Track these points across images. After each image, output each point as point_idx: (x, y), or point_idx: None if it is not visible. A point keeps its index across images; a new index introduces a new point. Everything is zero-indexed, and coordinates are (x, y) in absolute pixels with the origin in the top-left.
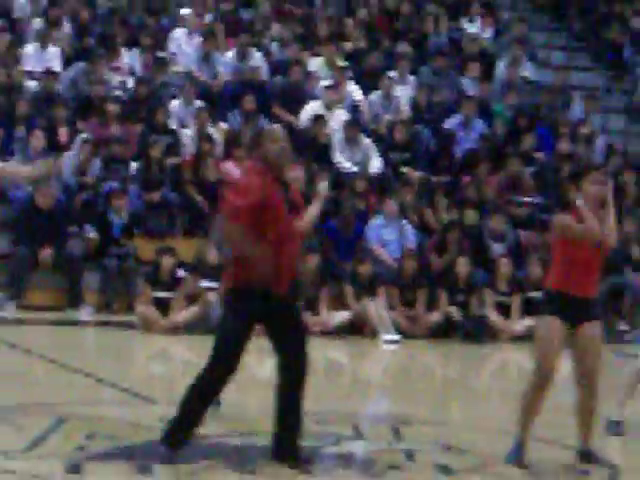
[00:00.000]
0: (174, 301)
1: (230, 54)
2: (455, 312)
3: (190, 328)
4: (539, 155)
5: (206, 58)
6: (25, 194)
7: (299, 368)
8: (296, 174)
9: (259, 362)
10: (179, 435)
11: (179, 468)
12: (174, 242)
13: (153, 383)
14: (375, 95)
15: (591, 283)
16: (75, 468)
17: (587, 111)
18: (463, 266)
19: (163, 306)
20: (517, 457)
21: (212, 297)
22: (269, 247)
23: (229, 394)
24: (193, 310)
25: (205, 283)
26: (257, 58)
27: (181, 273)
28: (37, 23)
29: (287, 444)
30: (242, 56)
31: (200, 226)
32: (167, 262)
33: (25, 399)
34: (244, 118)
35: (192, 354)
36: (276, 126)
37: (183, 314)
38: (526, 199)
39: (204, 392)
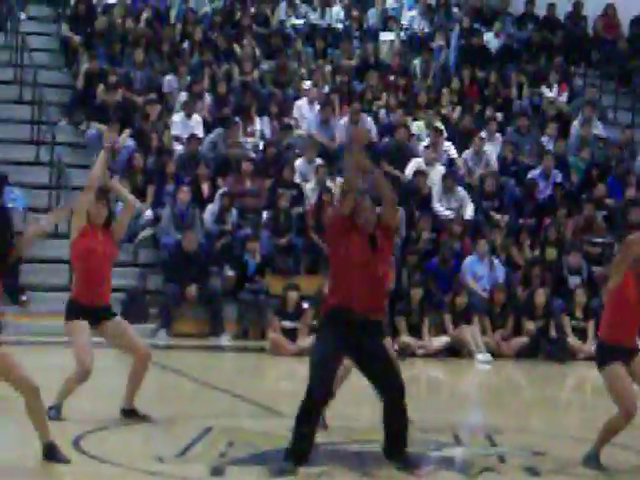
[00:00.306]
0: (299, 329)
1: (344, 120)
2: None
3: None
4: (610, 201)
5: (324, 123)
6: (174, 240)
7: (395, 391)
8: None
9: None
10: (297, 452)
11: (306, 472)
12: (299, 279)
13: (282, 399)
14: (468, 152)
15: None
16: (219, 471)
17: None
18: (541, 296)
19: (290, 333)
20: (595, 462)
21: None
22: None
23: (346, 407)
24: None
25: None
26: (367, 122)
27: (305, 305)
28: (182, 96)
29: (396, 450)
30: (354, 122)
31: (321, 265)
32: (292, 296)
33: (176, 413)
34: None
35: None
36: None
37: (307, 340)
38: (599, 239)
39: (307, 415)
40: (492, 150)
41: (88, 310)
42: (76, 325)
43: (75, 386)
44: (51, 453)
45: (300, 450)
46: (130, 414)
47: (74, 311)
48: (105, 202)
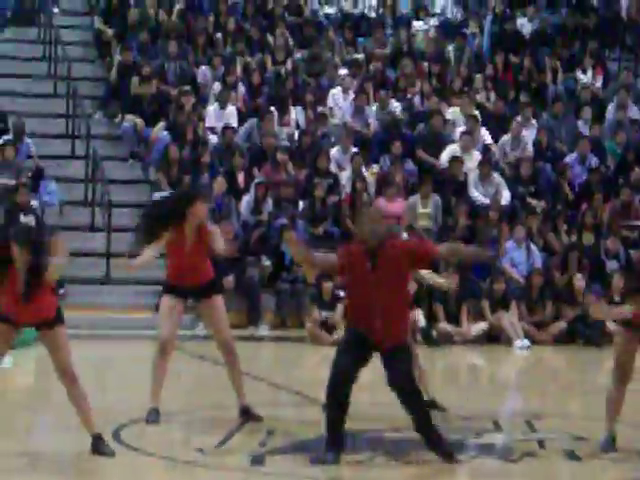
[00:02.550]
0: (336, 317)
1: (374, 107)
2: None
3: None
4: None
5: (359, 111)
6: None
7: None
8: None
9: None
10: (335, 442)
11: (346, 459)
12: None
13: (321, 387)
14: (506, 138)
15: None
16: (259, 461)
17: None
18: (580, 281)
19: (327, 322)
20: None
21: None
22: None
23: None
24: None
25: None
26: (394, 106)
27: (342, 294)
28: (216, 87)
29: (431, 439)
30: (382, 108)
31: None
32: (327, 285)
33: (215, 403)
34: (392, 161)
35: None
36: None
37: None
38: (636, 223)
39: (328, 416)
40: (528, 135)
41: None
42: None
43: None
44: (96, 445)
45: (333, 436)
46: (246, 412)
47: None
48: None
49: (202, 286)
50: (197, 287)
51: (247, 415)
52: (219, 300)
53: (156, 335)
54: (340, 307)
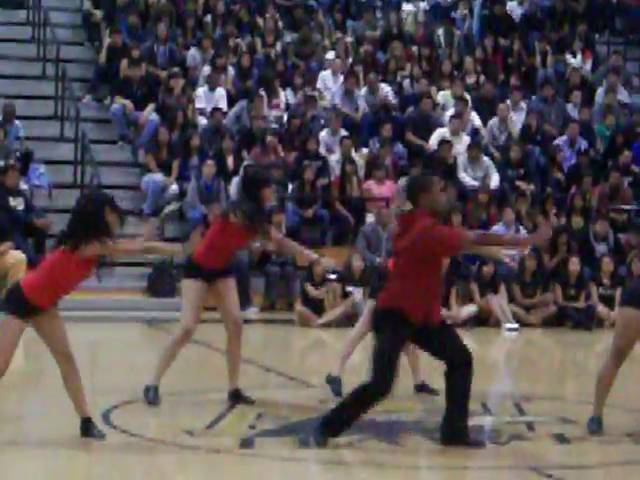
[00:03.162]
0: (326, 301)
1: (363, 90)
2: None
3: (339, 323)
4: (635, 168)
5: (348, 94)
6: (200, 213)
7: (462, 362)
8: None
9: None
10: (334, 428)
11: (335, 441)
12: (325, 250)
13: (310, 370)
14: (493, 121)
15: None
16: (248, 443)
17: None
18: (574, 264)
19: (316, 305)
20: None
21: (357, 297)
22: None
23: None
24: (341, 308)
25: (351, 286)
26: (385, 90)
27: (332, 276)
28: (206, 69)
29: (457, 424)
30: (371, 92)
31: (346, 236)
32: (318, 267)
33: (205, 386)
34: (382, 144)
35: (341, 345)
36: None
37: (333, 312)
38: (625, 206)
39: (361, 401)
40: (516, 119)
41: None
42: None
43: (177, 349)
44: (85, 427)
45: (338, 429)
46: (236, 396)
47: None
48: None
49: (224, 268)
50: (220, 269)
51: (237, 399)
52: (233, 281)
53: (180, 320)
54: (333, 288)
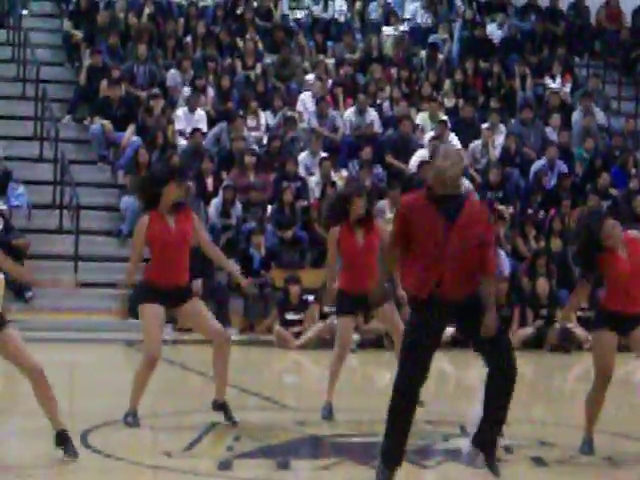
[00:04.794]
0: (304, 322)
1: (349, 112)
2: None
3: (317, 345)
4: (614, 191)
5: (324, 115)
6: None
7: (505, 370)
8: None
9: (377, 371)
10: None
11: (313, 464)
12: (304, 272)
13: (289, 392)
14: (475, 144)
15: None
16: (226, 465)
17: None
18: (543, 285)
19: (294, 327)
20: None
21: (335, 320)
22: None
23: (352, 398)
24: (320, 330)
25: (328, 308)
26: (372, 114)
27: (310, 298)
28: (186, 90)
29: (489, 437)
30: (360, 113)
31: (325, 258)
32: (294, 289)
33: (183, 407)
34: (361, 166)
35: (320, 367)
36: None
37: (312, 333)
38: None
39: (392, 405)
40: (496, 141)
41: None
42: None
43: (145, 377)
44: (60, 440)
45: (388, 442)
46: (220, 408)
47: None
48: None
49: (185, 287)
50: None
51: (221, 410)
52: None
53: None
54: (311, 310)
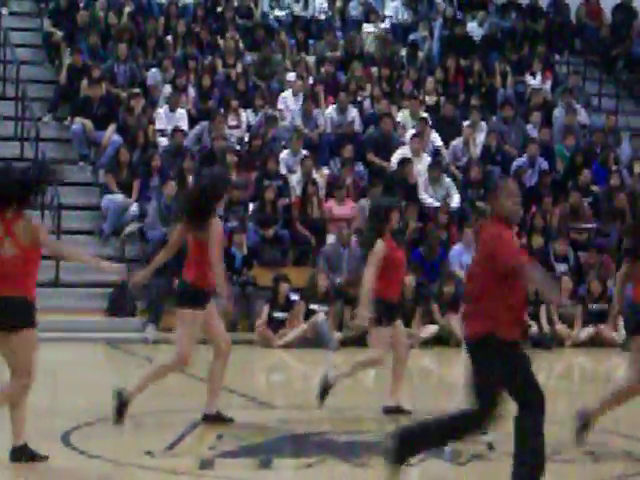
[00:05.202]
0: (288, 321)
1: (330, 110)
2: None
3: (301, 344)
4: (595, 188)
5: (309, 114)
6: (160, 234)
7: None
8: None
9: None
10: (407, 449)
11: (295, 462)
12: (286, 271)
13: (271, 390)
14: (457, 141)
15: None
16: (208, 464)
17: (634, 149)
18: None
19: (279, 325)
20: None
21: (320, 318)
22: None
23: (337, 398)
24: (304, 329)
25: (315, 306)
26: (353, 112)
27: (294, 297)
28: (166, 89)
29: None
30: (341, 111)
31: (307, 257)
32: (283, 287)
33: (165, 406)
34: (342, 164)
35: (303, 366)
36: (510, 181)
37: (296, 332)
38: (585, 225)
39: (454, 430)
40: (477, 139)
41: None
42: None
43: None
44: (20, 454)
45: (410, 452)
46: (216, 419)
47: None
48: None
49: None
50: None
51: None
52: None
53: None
54: (296, 309)
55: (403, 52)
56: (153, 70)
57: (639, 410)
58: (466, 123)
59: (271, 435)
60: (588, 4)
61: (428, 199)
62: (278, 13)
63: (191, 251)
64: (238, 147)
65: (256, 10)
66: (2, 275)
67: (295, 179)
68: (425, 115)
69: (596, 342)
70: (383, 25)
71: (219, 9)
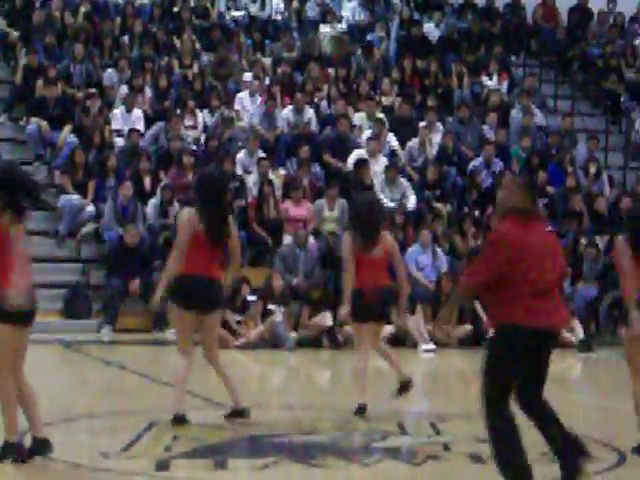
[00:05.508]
0: (245, 321)
1: (287, 110)
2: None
3: (258, 344)
4: (550, 189)
5: (266, 115)
6: (116, 235)
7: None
8: None
9: (317, 370)
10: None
11: (251, 463)
12: (242, 271)
13: (226, 392)
14: (413, 142)
15: None
16: (164, 465)
17: (590, 150)
18: None
19: (237, 325)
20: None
21: (277, 318)
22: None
23: (291, 398)
24: (261, 329)
25: (272, 306)
26: (310, 113)
27: (252, 298)
28: (123, 90)
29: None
30: (298, 112)
31: (264, 258)
32: (244, 289)
33: (120, 408)
34: (299, 165)
35: (260, 366)
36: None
37: (253, 333)
38: None
39: (494, 445)
40: (433, 140)
41: None
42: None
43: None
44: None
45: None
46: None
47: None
48: None
49: None
50: None
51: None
52: None
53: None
54: (253, 309)
55: (359, 53)
56: (109, 70)
57: (595, 413)
58: (422, 124)
59: (227, 436)
60: (544, 6)
61: (385, 200)
62: (235, 14)
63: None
64: (194, 148)
65: (213, 10)
66: None
67: (252, 180)
68: (381, 116)
69: None
70: (340, 26)
71: (176, 9)
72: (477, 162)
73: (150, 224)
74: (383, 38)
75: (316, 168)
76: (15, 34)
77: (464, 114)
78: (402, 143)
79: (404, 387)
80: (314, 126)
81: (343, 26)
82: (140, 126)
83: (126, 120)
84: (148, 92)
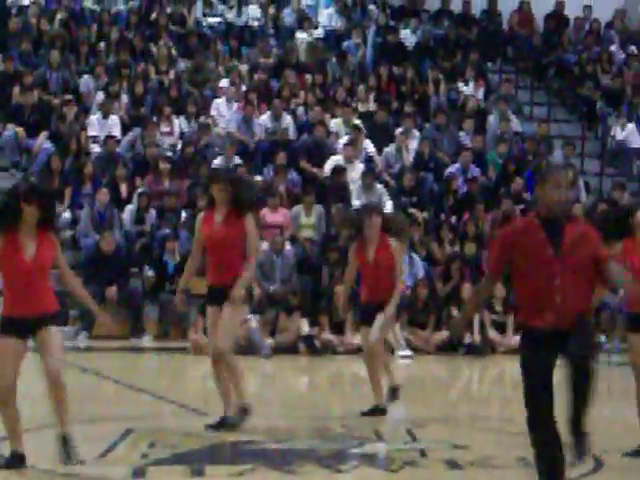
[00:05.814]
0: None
1: (264, 117)
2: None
3: (234, 351)
4: (527, 195)
5: (243, 121)
6: (93, 241)
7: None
8: None
9: (293, 377)
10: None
11: (228, 470)
12: None
13: (204, 398)
14: (390, 148)
15: None
16: (140, 472)
17: (566, 156)
18: (467, 291)
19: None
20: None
21: (254, 325)
22: None
23: (269, 406)
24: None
25: (249, 314)
26: (287, 120)
27: None
28: (99, 96)
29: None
30: (276, 118)
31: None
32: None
33: (96, 414)
34: (275, 171)
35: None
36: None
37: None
38: None
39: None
40: (409, 146)
41: None
42: None
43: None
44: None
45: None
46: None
47: None
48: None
49: None
50: None
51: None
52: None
53: None
54: None
55: (334, 60)
56: (86, 77)
57: None
58: (399, 130)
59: (204, 443)
60: (520, 12)
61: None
62: (211, 20)
63: None
64: (171, 154)
65: (189, 17)
66: None
67: None
68: (358, 122)
69: None
70: (316, 33)
71: (152, 16)
72: (454, 168)
73: (126, 231)
74: (360, 45)
75: (293, 174)
76: None
77: (440, 120)
78: (379, 149)
79: (394, 392)
80: (291, 133)
81: (320, 33)
82: (116, 132)
83: (102, 126)
84: (124, 98)
